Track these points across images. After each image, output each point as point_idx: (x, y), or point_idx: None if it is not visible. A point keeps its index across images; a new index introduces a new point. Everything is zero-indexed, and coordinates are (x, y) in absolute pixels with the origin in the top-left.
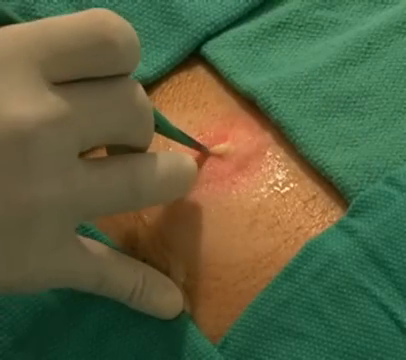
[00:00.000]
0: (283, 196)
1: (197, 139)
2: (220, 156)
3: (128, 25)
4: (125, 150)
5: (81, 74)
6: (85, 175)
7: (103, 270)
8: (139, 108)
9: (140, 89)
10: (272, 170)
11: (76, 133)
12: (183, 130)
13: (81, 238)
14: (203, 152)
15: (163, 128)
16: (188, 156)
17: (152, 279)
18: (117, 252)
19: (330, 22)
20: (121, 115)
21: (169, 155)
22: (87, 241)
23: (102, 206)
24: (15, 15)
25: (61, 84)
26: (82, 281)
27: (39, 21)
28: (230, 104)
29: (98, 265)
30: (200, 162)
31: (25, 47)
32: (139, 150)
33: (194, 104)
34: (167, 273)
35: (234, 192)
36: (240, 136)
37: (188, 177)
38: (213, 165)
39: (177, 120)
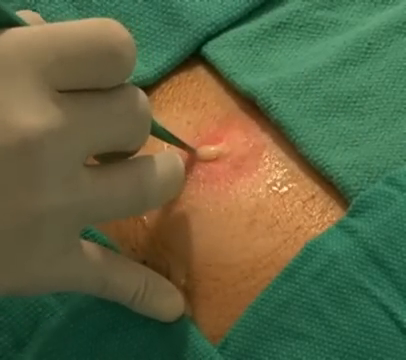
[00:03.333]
0: (282, 196)
1: (189, 140)
2: (215, 158)
3: (131, 37)
4: (116, 155)
5: (85, 83)
6: (91, 184)
7: (106, 274)
8: (142, 116)
9: (142, 95)
10: (270, 170)
11: (81, 143)
12: (182, 131)
13: (84, 243)
14: (189, 152)
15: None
16: (178, 155)
17: (154, 283)
18: (120, 256)
19: (330, 22)
20: (125, 125)
21: (166, 157)
22: (90, 245)
23: (108, 213)
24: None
25: (66, 93)
26: (85, 286)
27: (47, 27)
28: (229, 105)
29: (101, 270)
30: (191, 163)
31: (31, 55)
32: (131, 154)
33: (193, 104)
34: (167, 274)
35: (232, 192)
36: (236, 137)
37: (182, 177)
38: (208, 165)
39: (176, 120)
